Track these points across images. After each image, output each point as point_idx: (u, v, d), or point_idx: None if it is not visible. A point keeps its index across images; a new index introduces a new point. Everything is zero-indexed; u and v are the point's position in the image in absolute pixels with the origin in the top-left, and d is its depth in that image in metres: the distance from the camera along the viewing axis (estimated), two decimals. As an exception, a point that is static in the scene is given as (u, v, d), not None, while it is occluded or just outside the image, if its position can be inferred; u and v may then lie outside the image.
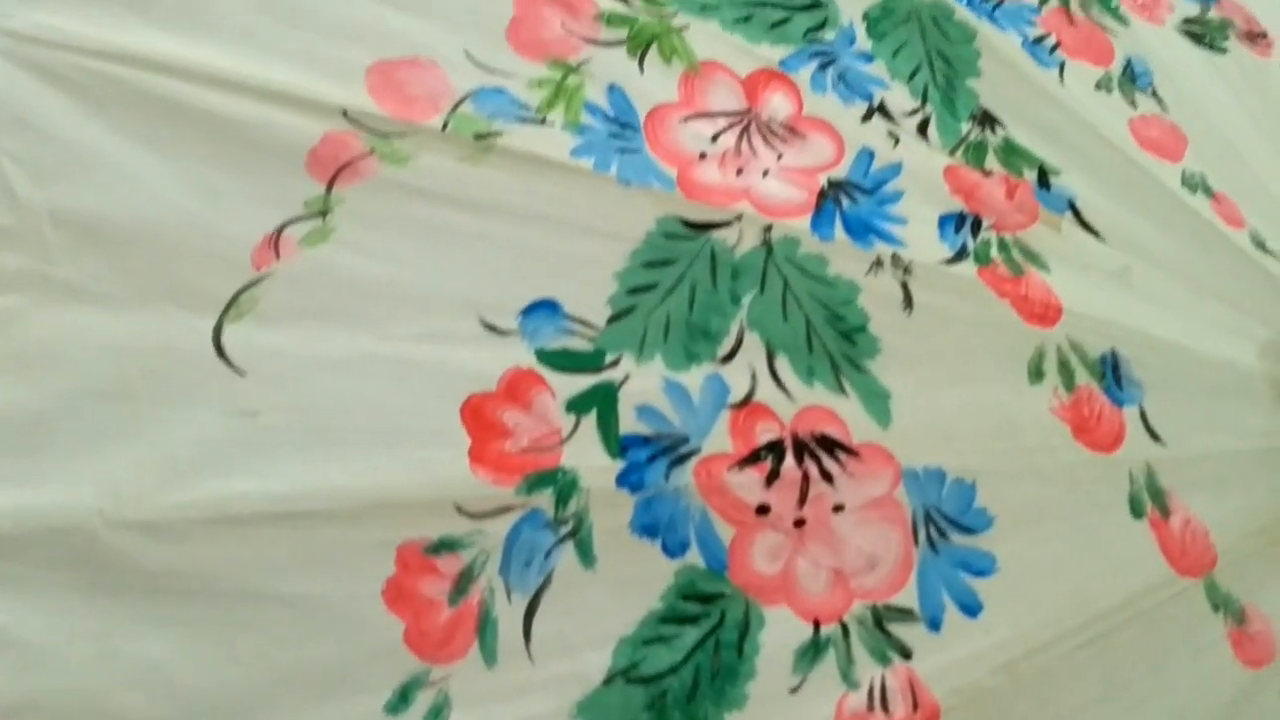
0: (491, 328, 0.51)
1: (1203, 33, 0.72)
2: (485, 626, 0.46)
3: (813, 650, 0.49)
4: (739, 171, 0.58)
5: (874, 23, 0.65)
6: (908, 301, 0.56)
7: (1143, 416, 0.57)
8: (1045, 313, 0.58)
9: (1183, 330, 0.60)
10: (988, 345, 0.57)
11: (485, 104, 0.56)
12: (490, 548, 0.47)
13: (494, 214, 0.53)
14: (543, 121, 0.56)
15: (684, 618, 0.48)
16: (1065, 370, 0.57)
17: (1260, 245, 0.64)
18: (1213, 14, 0.74)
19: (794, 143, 0.60)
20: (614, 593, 0.48)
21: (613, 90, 0.58)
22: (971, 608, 0.51)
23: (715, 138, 0.59)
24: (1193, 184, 0.64)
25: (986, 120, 0.63)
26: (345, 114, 0.53)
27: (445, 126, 0.54)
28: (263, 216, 0.51)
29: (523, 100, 0.56)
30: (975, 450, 0.54)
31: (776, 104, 0.61)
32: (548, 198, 0.54)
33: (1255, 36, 0.74)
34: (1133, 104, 0.67)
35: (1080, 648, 0.52)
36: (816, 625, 0.49)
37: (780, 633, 0.49)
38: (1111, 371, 0.58)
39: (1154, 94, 0.68)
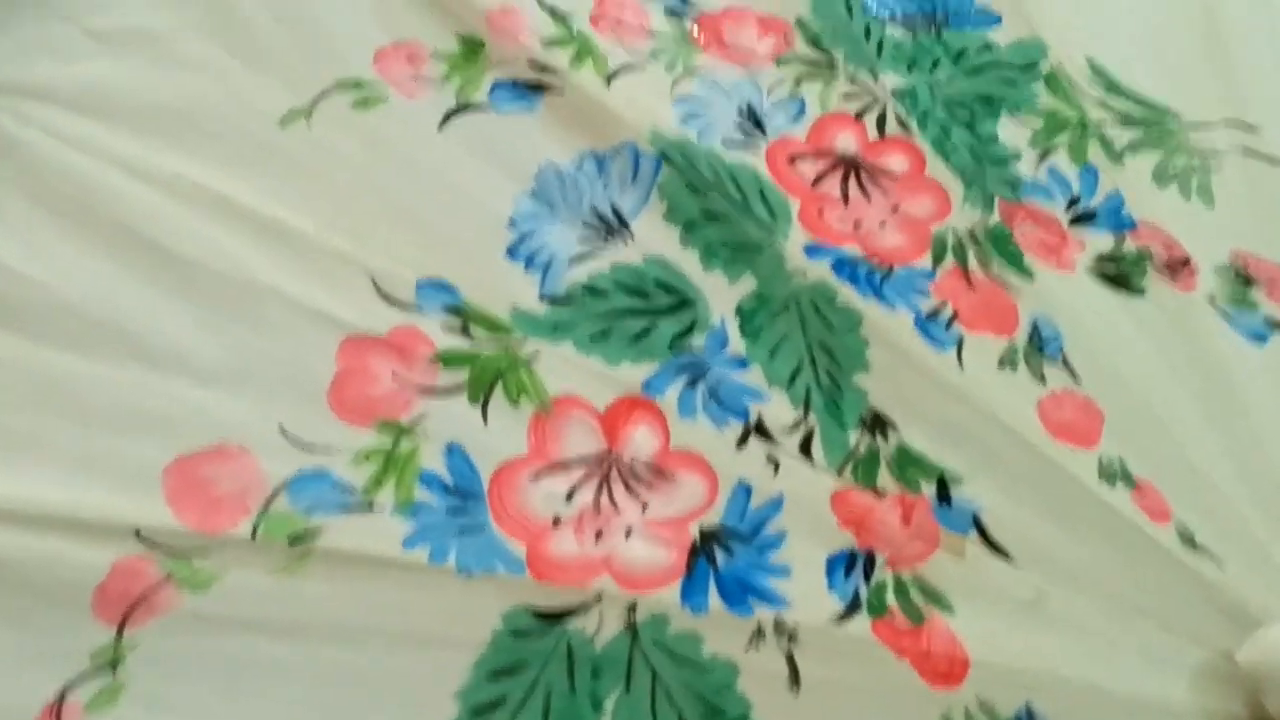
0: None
1: (1118, 272, 0.68)
2: None
3: None
4: (598, 536, 0.53)
5: (748, 317, 0.60)
6: (794, 678, 0.52)
7: (1066, 785, 0.52)
8: (950, 669, 0.53)
9: (1105, 667, 0.55)
10: (887, 722, 0.51)
11: (303, 494, 0.51)
12: None
13: (313, 636, 0.49)
14: (370, 506, 0.51)
15: None
16: (976, 741, 0.52)
17: (1189, 542, 0.59)
18: (1129, 245, 0.69)
19: (660, 487, 0.55)
20: None
21: (452, 451, 0.53)
22: None
23: (571, 495, 0.54)
24: (1111, 474, 0.60)
25: (877, 424, 0.58)
26: (138, 534, 0.48)
27: (255, 532, 0.49)
28: (42, 682, 0.46)
29: (346, 481, 0.52)
30: None
31: (640, 440, 0.56)
32: (374, 606, 0.50)
33: (1177, 266, 0.69)
34: (1041, 379, 0.62)
35: None
36: None
37: None
38: (1028, 734, 0.53)
39: (1065, 362, 0.63)
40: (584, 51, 0.67)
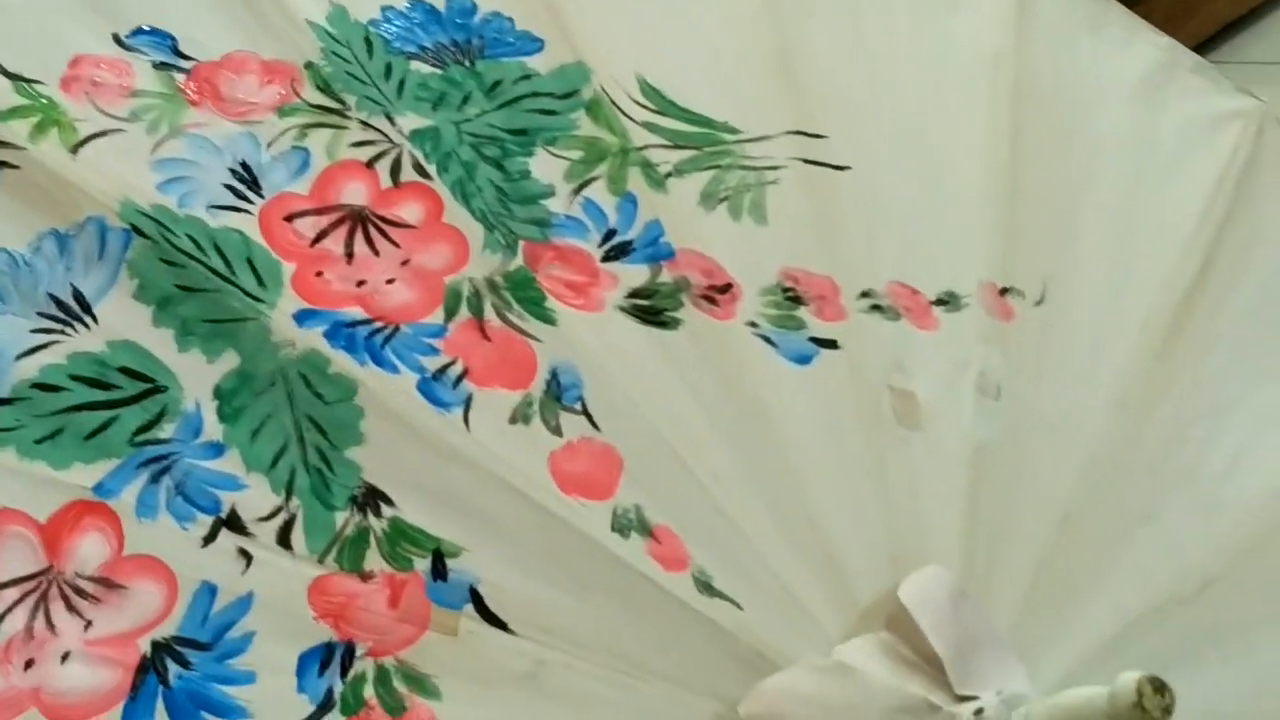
0: None
1: (651, 305, 0.67)
2: None
3: None
4: (28, 665, 0.51)
5: (227, 398, 0.58)
6: (250, 796, 0.49)
7: None
8: (430, 762, 0.52)
9: (605, 738, 0.54)
10: (354, 832, 0.50)
11: None
12: None
13: None
14: None
15: None
16: (456, 838, 0.51)
17: (706, 587, 0.60)
18: (665, 276, 0.69)
19: (109, 601, 0.53)
20: None
21: None
22: None
23: (-2, 623, 0.50)
24: (625, 525, 0.60)
25: (370, 500, 0.57)
26: None
27: None
28: None
29: None
30: None
31: (87, 551, 0.54)
32: None
33: (717, 292, 0.69)
34: (557, 430, 0.62)
35: None
36: None
37: None
38: (515, 821, 0.52)
39: (584, 409, 0.63)
40: (48, 121, 0.64)
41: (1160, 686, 0.49)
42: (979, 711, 0.55)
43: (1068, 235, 0.84)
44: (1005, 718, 0.54)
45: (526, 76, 0.77)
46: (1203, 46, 1.73)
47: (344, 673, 0.55)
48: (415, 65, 0.75)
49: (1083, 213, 0.86)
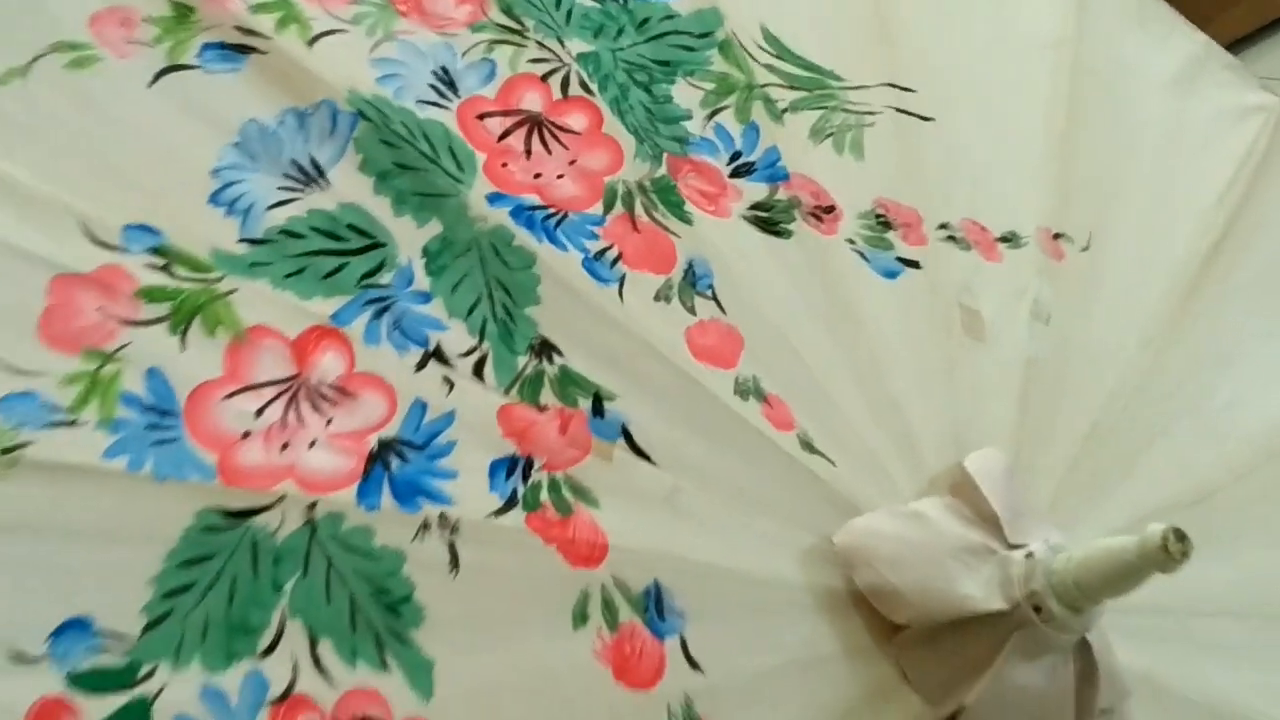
0: (20, 657, 0.55)
1: (769, 217, 0.81)
2: None
3: None
4: (284, 446, 0.63)
5: (433, 257, 0.71)
6: (454, 563, 0.63)
7: (683, 646, 0.65)
8: (591, 553, 0.65)
9: (726, 551, 0.68)
10: (533, 597, 0.64)
11: (12, 412, 0.60)
12: None
13: (20, 534, 0.58)
14: (74, 423, 0.60)
15: None
16: (609, 610, 0.65)
17: (808, 446, 0.72)
18: (781, 194, 0.82)
19: (344, 405, 0.65)
20: None
21: (152, 375, 0.63)
22: None
23: (260, 412, 0.64)
24: (745, 390, 0.73)
25: (545, 350, 0.70)
26: None
27: (-33, 445, 0.58)
28: None
29: (53, 401, 0.61)
30: (516, 711, 0.61)
31: (327, 364, 0.66)
32: (77, 508, 0.59)
33: (822, 212, 0.82)
34: (692, 310, 0.75)
35: None
36: None
37: None
38: (655, 604, 0.65)
39: (713, 296, 0.76)
40: (289, 17, 0.77)
41: (1181, 536, 0.62)
42: (1029, 555, 0.69)
43: (1111, 196, 0.98)
44: (1050, 559, 0.68)
45: (670, 16, 0.90)
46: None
47: (525, 479, 0.68)
48: (579, 0, 0.88)
49: (1124, 178, 1.00)
